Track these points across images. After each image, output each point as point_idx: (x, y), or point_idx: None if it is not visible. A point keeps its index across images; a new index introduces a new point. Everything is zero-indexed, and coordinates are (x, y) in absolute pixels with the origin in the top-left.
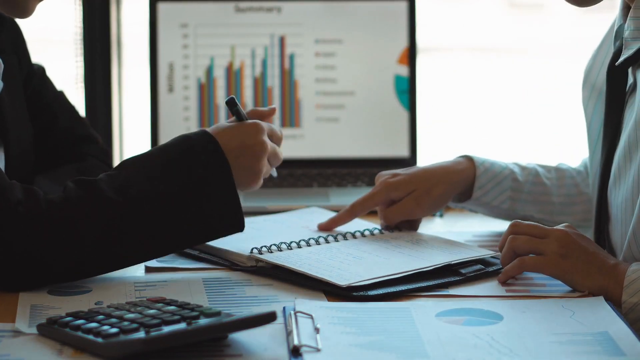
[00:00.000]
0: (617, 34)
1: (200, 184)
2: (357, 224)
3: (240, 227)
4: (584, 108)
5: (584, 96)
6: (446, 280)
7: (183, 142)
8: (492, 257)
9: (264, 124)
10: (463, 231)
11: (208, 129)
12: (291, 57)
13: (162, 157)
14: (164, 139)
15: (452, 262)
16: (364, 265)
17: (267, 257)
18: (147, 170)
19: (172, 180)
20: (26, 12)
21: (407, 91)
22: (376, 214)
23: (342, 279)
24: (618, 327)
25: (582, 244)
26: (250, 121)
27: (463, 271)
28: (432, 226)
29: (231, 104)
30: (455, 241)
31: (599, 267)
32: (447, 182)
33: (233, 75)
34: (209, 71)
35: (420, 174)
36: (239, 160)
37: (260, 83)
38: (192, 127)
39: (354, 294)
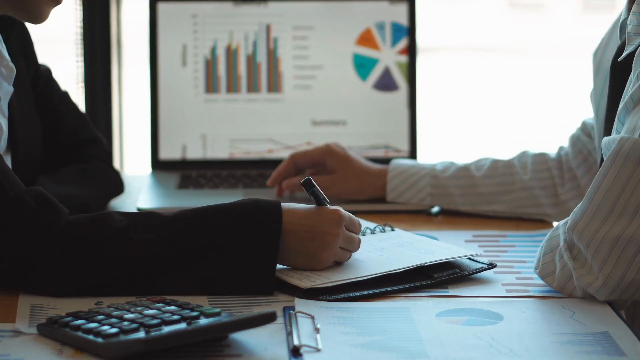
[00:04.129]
0: (622, 28)
1: (240, 240)
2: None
3: (267, 292)
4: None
5: (595, 84)
6: (415, 284)
7: (252, 201)
8: (470, 257)
9: (344, 214)
10: (463, 231)
11: (284, 204)
12: (275, 40)
13: (222, 206)
14: (164, 138)
15: (425, 264)
16: (336, 266)
17: None
18: (191, 213)
19: (213, 228)
20: (41, 18)
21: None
22: (375, 214)
23: (308, 281)
24: (618, 327)
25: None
26: (331, 207)
27: (436, 275)
28: (432, 226)
29: (307, 186)
30: (441, 243)
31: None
32: (362, 181)
33: (231, 54)
34: (213, 51)
35: (350, 161)
36: (304, 244)
37: (251, 60)
38: (193, 125)
39: (315, 297)
